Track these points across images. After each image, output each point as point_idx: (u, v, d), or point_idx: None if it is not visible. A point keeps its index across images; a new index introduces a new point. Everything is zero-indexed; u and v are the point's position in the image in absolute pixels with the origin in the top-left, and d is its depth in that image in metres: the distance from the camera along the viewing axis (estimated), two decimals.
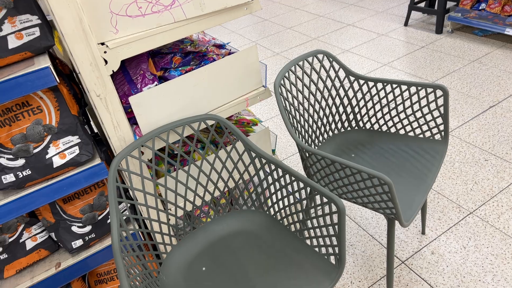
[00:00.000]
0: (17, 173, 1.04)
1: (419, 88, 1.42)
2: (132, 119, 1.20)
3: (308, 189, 1.52)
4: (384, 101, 2.73)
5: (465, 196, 1.87)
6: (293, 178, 1.14)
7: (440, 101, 2.51)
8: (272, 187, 1.87)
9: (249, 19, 4.69)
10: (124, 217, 1.38)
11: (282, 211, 1.40)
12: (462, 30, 3.45)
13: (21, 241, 1.22)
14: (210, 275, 1.15)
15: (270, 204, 1.79)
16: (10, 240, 1.20)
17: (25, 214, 1.20)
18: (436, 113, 2.49)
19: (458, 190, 1.91)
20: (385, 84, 1.48)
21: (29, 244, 1.24)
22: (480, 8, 3.17)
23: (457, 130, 2.29)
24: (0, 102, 0.91)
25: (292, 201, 1.98)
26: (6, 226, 1.18)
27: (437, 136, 2.23)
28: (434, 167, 1.36)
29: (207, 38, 1.49)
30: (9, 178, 1.04)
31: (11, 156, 1.03)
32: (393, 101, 2.55)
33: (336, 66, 3.43)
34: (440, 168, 1.44)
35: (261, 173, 1.67)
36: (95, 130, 1.98)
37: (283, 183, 1.97)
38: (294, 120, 1.42)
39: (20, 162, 1.04)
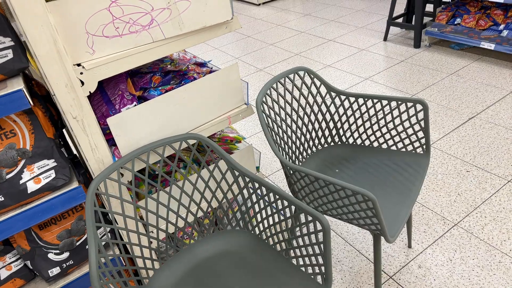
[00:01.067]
0: None
1: (400, 102, 1.43)
2: (110, 141, 1.17)
3: (293, 207, 1.50)
4: (365, 116, 2.76)
5: (449, 208, 1.88)
6: (277, 197, 1.12)
7: (421, 115, 2.55)
8: (256, 206, 1.84)
9: (232, 36, 4.73)
10: (103, 243, 1.33)
11: (267, 230, 1.37)
12: (439, 44, 3.55)
13: None
14: None
15: (255, 223, 1.76)
16: None
17: None
18: (417, 127, 2.52)
19: (442, 202, 1.92)
20: (366, 99, 1.50)
21: (4, 274, 1.18)
22: (455, 22, 3.28)
23: (438, 142, 2.32)
24: None
25: (277, 219, 1.96)
26: None
27: (419, 150, 2.25)
28: (417, 181, 1.37)
29: (188, 56, 1.49)
30: None
31: None
32: (375, 116, 2.59)
33: (318, 83, 3.46)
34: (424, 181, 1.46)
35: (245, 191, 1.65)
36: (74, 152, 1.93)
37: (267, 201, 1.95)
38: (277, 137, 1.41)
39: None
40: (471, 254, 1.65)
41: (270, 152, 2.53)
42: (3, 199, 1.01)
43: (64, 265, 1.20)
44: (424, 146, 1.44)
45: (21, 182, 1.02)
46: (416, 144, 2.20)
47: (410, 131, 2.50)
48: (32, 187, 1.03)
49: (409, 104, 2.95)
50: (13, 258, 1.19)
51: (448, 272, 1.59)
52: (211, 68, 1.42)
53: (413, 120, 2.53)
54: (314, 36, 4.25)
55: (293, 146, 1.53)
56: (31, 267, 1.19)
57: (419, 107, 2.50)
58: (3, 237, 1.03)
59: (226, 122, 1.31)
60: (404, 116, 2.62)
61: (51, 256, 1.17)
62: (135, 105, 1.13)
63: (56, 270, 1.19)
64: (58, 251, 1.17)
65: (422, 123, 2.34)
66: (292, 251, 1.71)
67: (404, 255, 1.69)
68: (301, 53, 3.89)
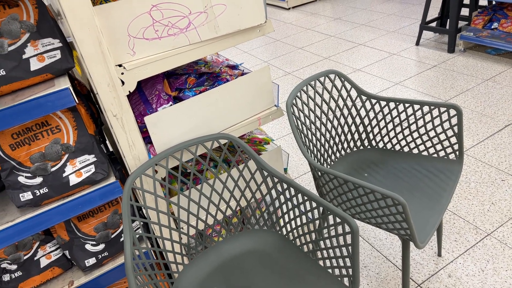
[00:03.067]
0: (35, 191, 1.06)
1: (432, 107, 1.41)
2: (146, 138, 1.22)
3: (321, 209, 1.50)
4: (396, 120, 2.71)
5: (482, 217, 1.83)
6: (305, 198, 1.13)
7: (454, 120, 2.49)
8: (284, 206, 1.86)
9: (261, 40, 4.77)
10: (137, 236, 1.38)
11: (295, 231, 1.39)
12: (474, 49, 3.44)
13: (35, 258, 1.23)
14: None
15: (282, 223, 1.78)
16: (25, 257, 1.21)
17: (40, 231, 1.22)
18: (450, 132, 2.46)
19: (475, 211, 1.87)
20: (397, 103, 1.48)
21: (44, 262, 1.25)
22: (492, 27, 3.17)
23: (472, 150, 2.26)
24: (21, 122, 0.94)
25: (304, 221, 1.96)
26: (22, 244, 1.19)
27: (452, 156, 2.20)
28: (449, 187, 1.34)
29: (220, 59, 1.53)
30: (27, 196, 1.06)
31: (29, 175, 1.05)
32: (406, 120, 2.55)
33: (348, 86, 3.44)
34: (456, 188, 1.42)
35: (273, 192, 1.67)
36: (110, 149, 2.01)
37: (295, 202, 1.96)
38: (306, 139, 1.43)
39: (38, 180, 1.06)
40: (504, 265, 1.59)
41: (297, 155, 2.53)
42: (47, 190, 1.08)
43: (100, 256, 1.25)
44: (457, 152, 1.41)
45: (64, 175, 1.08)
46: (449, 150, 2.15)
47: (442, 136, 2.44)
48: (73, 180, 1.09)
49: (442, 109, 2.88)
50: (53, 248, 1.26)
51: (479, 283, 1.54)
52: (243, 70, 1.45)
53: (446, 125, 2.47)
54: (344, 40, 4.22)
55: (322, 149, 1.54)
56: (69, 257, 1.25)
57: (452, 112, 2.44)
58: (45, 226, 1.10)
59: (256, 123, 1.34)
60: (436, 122, 2.56)
61: (88, 247, 1.23)
62: (171, 104, 1.17)
63: (92, 261, 1.25)
64: (94, 243, 1.23)
65: (455, 128, 2.29)
66: (319, 252, 1.72)
67: (433, 263, 1.66)
68: (330, 57, 3.87)
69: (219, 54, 1.64)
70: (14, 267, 1.20)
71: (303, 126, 1.43)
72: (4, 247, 1.09)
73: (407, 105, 2.91)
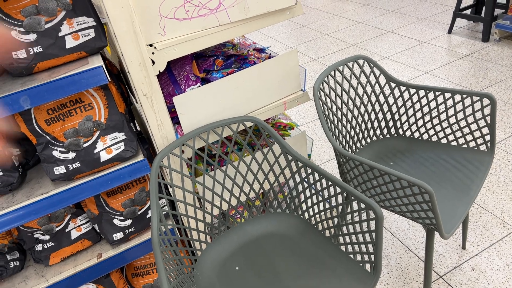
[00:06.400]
0: (68, 165, 1.11)
1: (464, 96, 1.37)
2: (174, 119, 1.24)
3: (345, 194, 1.50)
4: (425, 109, 2.65)
5: (510, 211, 1.77)
6: (329, 183, 1.13)
7: (487, 111, 2.41)
8: (307, 191, 1.86)
9: (287, 25, 4.72)
10: (164, 213, 1.42)
11: (317, 215, 1.39)
12: (510, 38, 3.29)
13: (67, 230, 1.29)
14: (243, 275, 1.16)
15: (304, 208, 1.78)
16: (57, 229, 1.27)
17: (72, 205, 1.27)
18: (481, 123, 2.38)
19: (503, 205, 1.81)
20: (427, 91, 1.45)
21: (74, 234, 1.31)
22: None
23: (503, 142, 2.18)
24: (57, 97, 0.97)
25: (327, 206, 1.96)
26: (55, 215, 1.25)
27: (482, 147, 2.13)
28: (478, 178, 1.31)
29: (248, 42, 1.52)
30: (60, 169, 1.11)
31: (63, 149, 1.09)
32: (436, 109, 2.47)
33: (377, 72, 3.37)
34: (485, 180, 1.38)
35: (296, 176, 1.67)
36: (138, 129, 2.06)
37: (319, 187, 1.96)
38: (332, 125, 1.42)
39: (71, 155, 1.10)
40: None
41: (320, 142, 2.52)
42: (79, 165, 1.12)
43: (127, 231, 1.30)
44: (489, 143, 1.37)
45: (95, 151, 1.12)
46: (480, 141, 2.09)
47: (473, 126, 2.37)
48: (104, 156, 1.13)
49: (475, 98, 2.78)
50: (83, 221, 1.32)
51: (504, 277, 1.51)
52: (270, 54, 1.45)
53: (478, 115, 2.39)
54: (372, 27, 4.12)
55: (347, 135, 1.52)
56: (98, 230, 1.31)
57: (485, 102, 2.36)
58: (77, 200, 1.15)
59: (282, 107, 1.34)
60: (468, 111, 2.48)
61: (116, 221, 1.28)
62: (199, 86, 1.19)
63: (119, 235, 1.29)
64: (122, 218, 1.28)
65: (487, 119, 2.21)
66: (341, 237, 1.72)
67: (457, 256, 1.63)
68: (357, 44, 3.79)
69: (246, 37, 1.63)
70: (46, 237, 1.26)
71: (329, 111, 1.41)
72: (38, 218, 1.14)
73: (437, 93, 2.83)
